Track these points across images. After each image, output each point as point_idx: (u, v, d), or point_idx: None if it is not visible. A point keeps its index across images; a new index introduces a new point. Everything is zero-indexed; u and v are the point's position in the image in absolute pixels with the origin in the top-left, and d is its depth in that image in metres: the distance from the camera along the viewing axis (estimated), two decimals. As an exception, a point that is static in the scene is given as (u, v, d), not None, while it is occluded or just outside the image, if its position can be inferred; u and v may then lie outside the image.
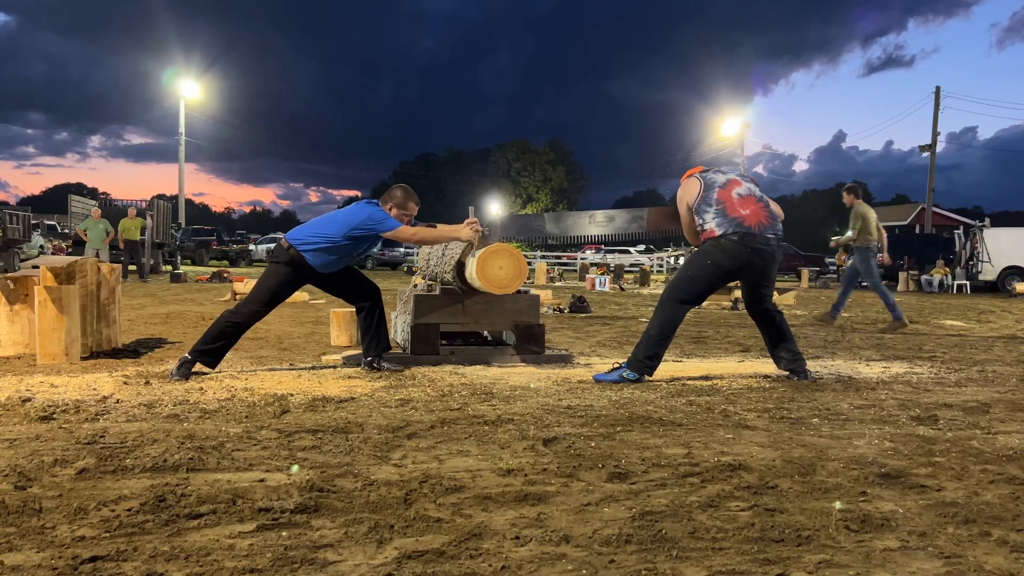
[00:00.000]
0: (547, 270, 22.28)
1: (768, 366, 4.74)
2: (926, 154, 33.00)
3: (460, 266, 4.79)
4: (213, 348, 4.12)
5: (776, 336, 4.36)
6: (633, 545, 1.78)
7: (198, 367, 4.14)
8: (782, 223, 4.33)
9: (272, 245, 35.75)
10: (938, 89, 32.67)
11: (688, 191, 4.31)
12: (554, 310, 9.85)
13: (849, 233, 8.35)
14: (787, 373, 4.36)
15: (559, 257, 33.99)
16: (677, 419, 3.20)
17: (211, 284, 15.67)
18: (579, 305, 9.90)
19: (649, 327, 4.21)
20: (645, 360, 4.12)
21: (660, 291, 4.43)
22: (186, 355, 4.11)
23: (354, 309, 5.81)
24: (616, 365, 4.26)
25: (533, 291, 5.31)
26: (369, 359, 4.45)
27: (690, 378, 4.37)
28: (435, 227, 4.64)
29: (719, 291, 9.80)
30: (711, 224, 4.13)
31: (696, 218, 4.23)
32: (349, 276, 4.50)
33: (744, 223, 4.09)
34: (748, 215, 4.12)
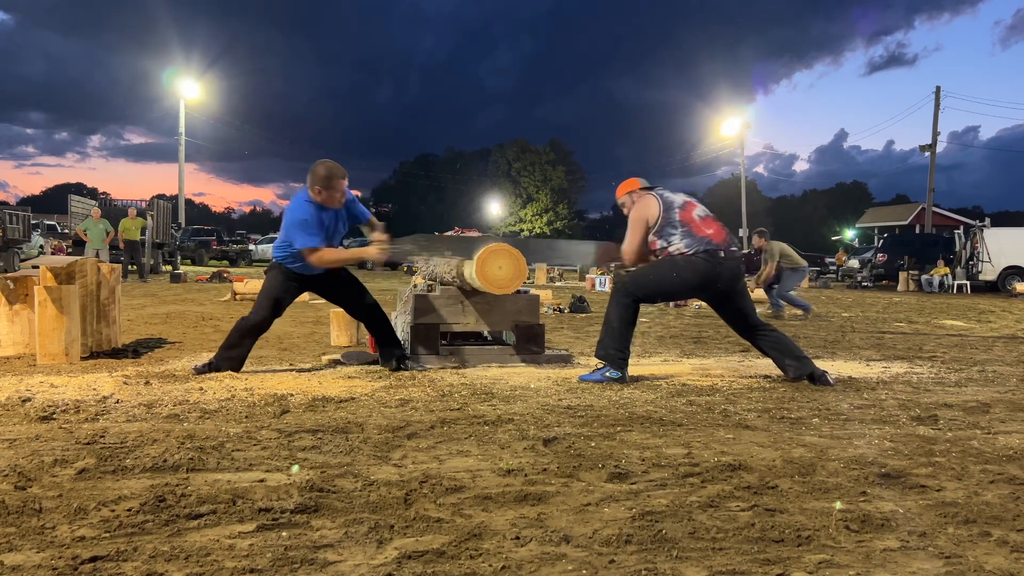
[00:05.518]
0: (547, 270, 22.28)
1: (768, 366, 4.74)
2: (927, 154, 33.00)
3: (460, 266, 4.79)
4: (232, 355, 4.25)
5: (776, 347, 4.30)
6: (633, 545, 1.78)
7: None
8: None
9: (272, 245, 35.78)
10: (938, 89, 32.65)
11: (649, 210, 4.23)
12: (554, 310, 9.86)
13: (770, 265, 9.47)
14: (801, 380, 4.24)
15: (559, 257, 33.97)
16: (677, 419, 3.20)
17: (211, 284, 15.68)
18: (579, 305, 9.90)
19: (610, 320, 4.21)
20: (617, 353, 4.15)
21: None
22: (211, 361, 4.24)
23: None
24: (600, 365, 4.26)
25: (533, 291, 5.31)
26: (393, 366, 4.46)
27: (690, 378, 4.37)
28: (344, 249, 4.35)
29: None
30: (679, 244, 4.14)
31: (657, 240, 4.20)
32: (347, 289, 4.44)
33: (713, 241, 4.16)
34: (713, 234, 4.20)
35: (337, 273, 4.40)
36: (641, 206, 4.28)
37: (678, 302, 10.83)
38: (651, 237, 4.23)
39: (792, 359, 4.27)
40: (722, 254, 4.15)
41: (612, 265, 4.63)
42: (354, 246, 4.31)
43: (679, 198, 4.31)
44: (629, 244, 4.31)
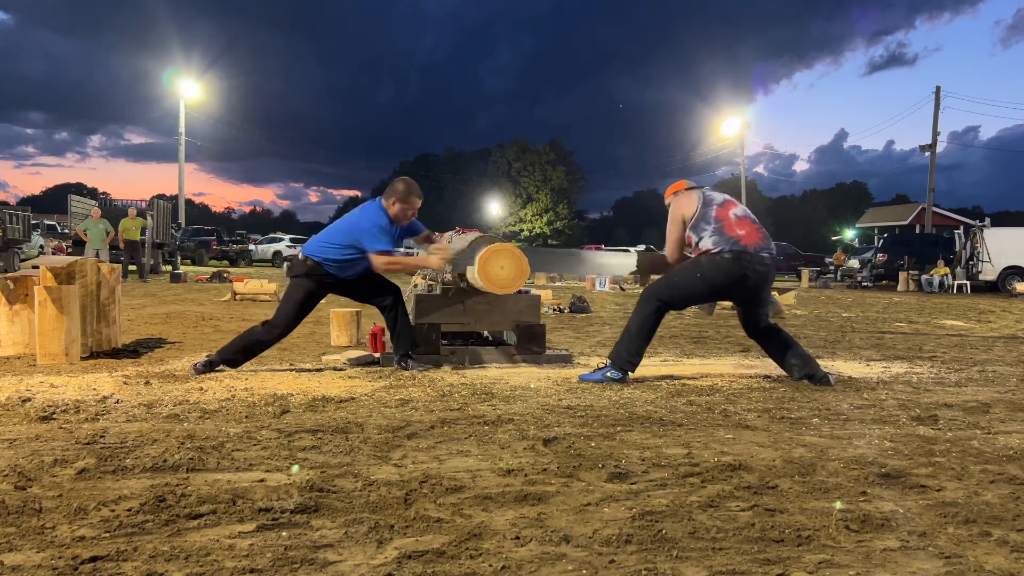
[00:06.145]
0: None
1: (768, 366, 4.74)
2: (927, 154, 33.00)
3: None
4: (235, 359, 4.30)
5: (782, 348, 4.31)
6: (633, 545, 1.78)
7: None
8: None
9: (272, 245, 35.67)
10: (938, 89, 32.65)
11: (688, 205, 4.25)
12: (554, 310, 9.86)
13: None
14: (803, 380, 4.25)
15: (559, 257, 33.98)
16: (677, 419, 3.20)
17: (211, 284, 15.68)
18: (579, 305, 9.90)
19: (629, 325, 4.22)
20: (628, 358, 4.14)
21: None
22: (211, 358, 4.25)
23: (355, 310, 5.86)
24: (600, 365, 4.26)
25: (534, 291, 5.31)
26: (397, 358, 4.50)
27: (690, 378, 4.37)
28: (409, 257, 4.51)
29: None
30: (707, 242, 4.13)
31: (692, 234, 4.20)
32: (369, 279, 4.48)
33: (740, 242, 4.12)
34: (744, 235, 4.16)
35: (372, 275, 4.44)
36: (679, 203, 4.30)
37: None
38: (688, 232, 4.23)
39: (797, 359, 4.28)
40: (750, 255, 4.09)
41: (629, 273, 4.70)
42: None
43: (720, 196, 4.33)
44: (667, 242, 4.38)
